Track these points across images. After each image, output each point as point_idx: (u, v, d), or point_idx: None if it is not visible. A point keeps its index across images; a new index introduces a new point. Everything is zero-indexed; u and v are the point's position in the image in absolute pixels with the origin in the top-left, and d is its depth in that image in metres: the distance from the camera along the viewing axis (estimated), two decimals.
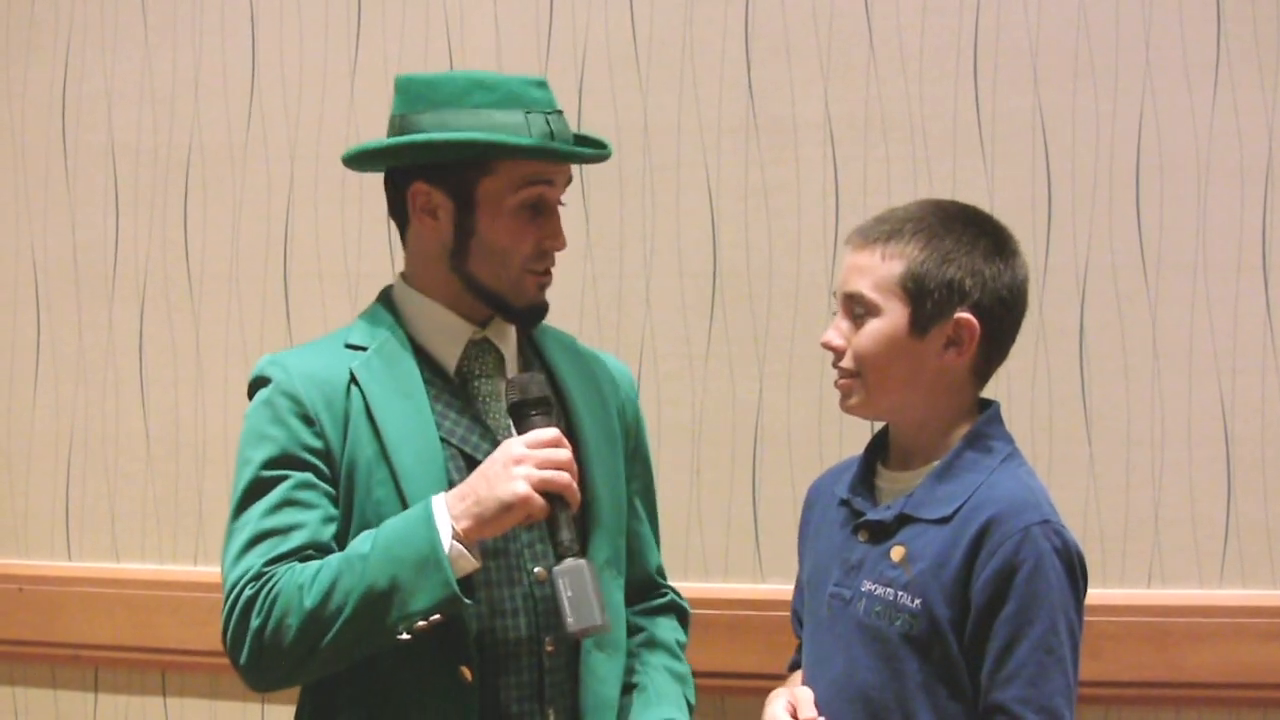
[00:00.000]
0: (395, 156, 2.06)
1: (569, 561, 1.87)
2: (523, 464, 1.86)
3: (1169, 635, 2.55)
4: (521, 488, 1.84)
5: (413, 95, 2.06)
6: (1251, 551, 2.58)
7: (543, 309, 2.09)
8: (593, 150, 2.10)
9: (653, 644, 2.23)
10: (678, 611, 2.32)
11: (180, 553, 2.96)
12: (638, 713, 2.10)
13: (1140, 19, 2.59)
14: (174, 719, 2.97)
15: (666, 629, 2.27)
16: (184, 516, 2.96)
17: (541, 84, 2.07)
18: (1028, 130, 2.62)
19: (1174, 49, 2.58)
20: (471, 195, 2.02)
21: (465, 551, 1.86)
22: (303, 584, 1.87)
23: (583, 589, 1.85)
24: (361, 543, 1.90)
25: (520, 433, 1.95)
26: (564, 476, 1.87)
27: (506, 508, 1.85)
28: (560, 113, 2.06)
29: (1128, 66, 2.59)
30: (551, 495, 1.87)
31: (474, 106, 2.01)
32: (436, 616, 1.85)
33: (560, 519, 1.88)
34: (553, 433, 1.91)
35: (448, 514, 1.87)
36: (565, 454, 1.89)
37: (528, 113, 2.01)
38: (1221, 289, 2.58)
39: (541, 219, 2.04)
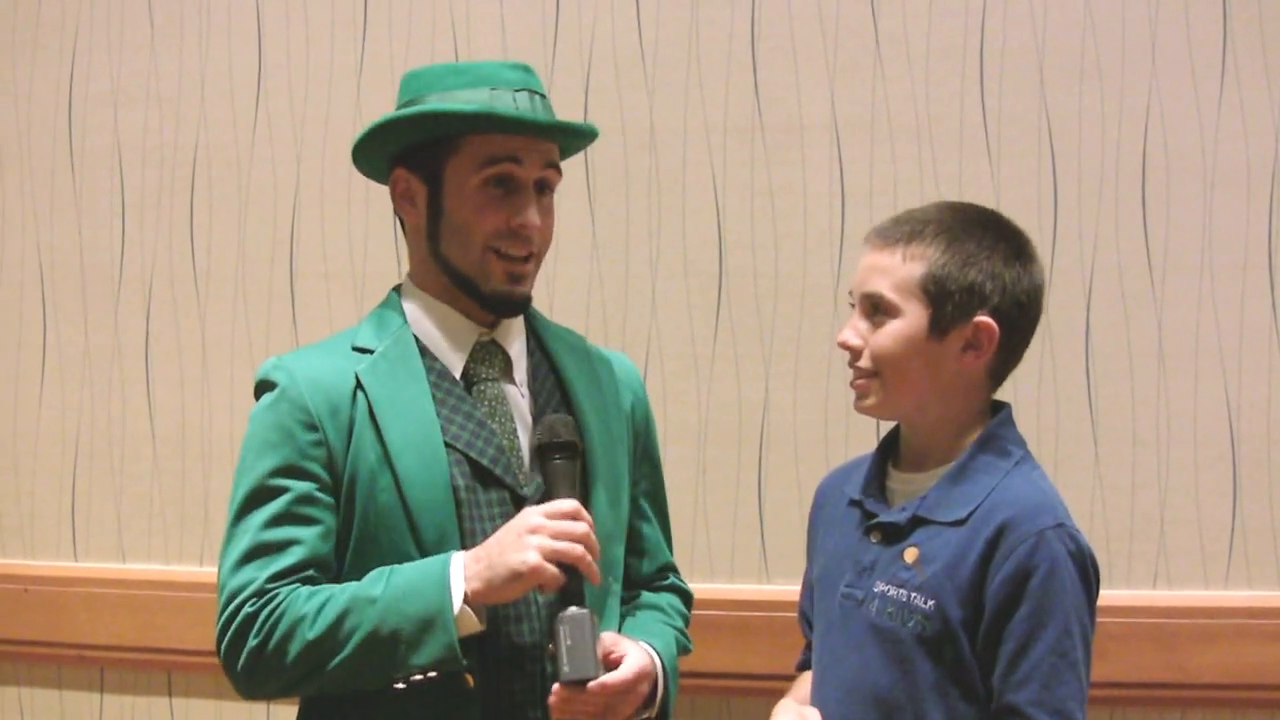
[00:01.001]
0: (365, 147, 2.08)
1: (573, 610, 1.89)
2: (537, 534, 1.87)
3: (1175, 636, 2.55)
4: (532, 558, 1.85)
5: (404, 87, 2.10)
6: (1257, 552, 2.58)
7: (516, 300, 2.07)
8: (548, 118, 2.06)
9: (639, 605, 2.23)
10: (679, 592, 2.32)
11: (186, 553, 2.96)
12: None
13: (1146, 20, 2.59)
14: (179, 719, 2.97)
15: (660, 597, 2.27)
16: (190, 517, 2.96)
17: (520, 67, 2.08)
18: (1033, 131, 2.62)
19: (1180, 50, 2.58)
20: (440, 176, 2.04)
21: (471, 614, 1.88)
22: (306, 614, 1.89)
23: (583, 639, 1.88)
24: (373, 584, 1.91)
25: (542, 474, 1.98)
26: (577, 549, 1.88)
27: (516, 576, 1.86)
28: (537, 94, 2.06)
29: (1133, 67, 2.59)
30: (565, 566, 1.88)
31: (443, 89, 2.04)
32: (433, 674, 1.87)
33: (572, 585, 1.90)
34: (572, 504, 1.92)
35: (462, 574, 1.88)
36: (582, 527, 1.90)
37: (492, 89, 2.02)
38: (1227, 289, 2.57)
39: (512, 198, 2.03)
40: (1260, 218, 2.57)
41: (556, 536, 1.88)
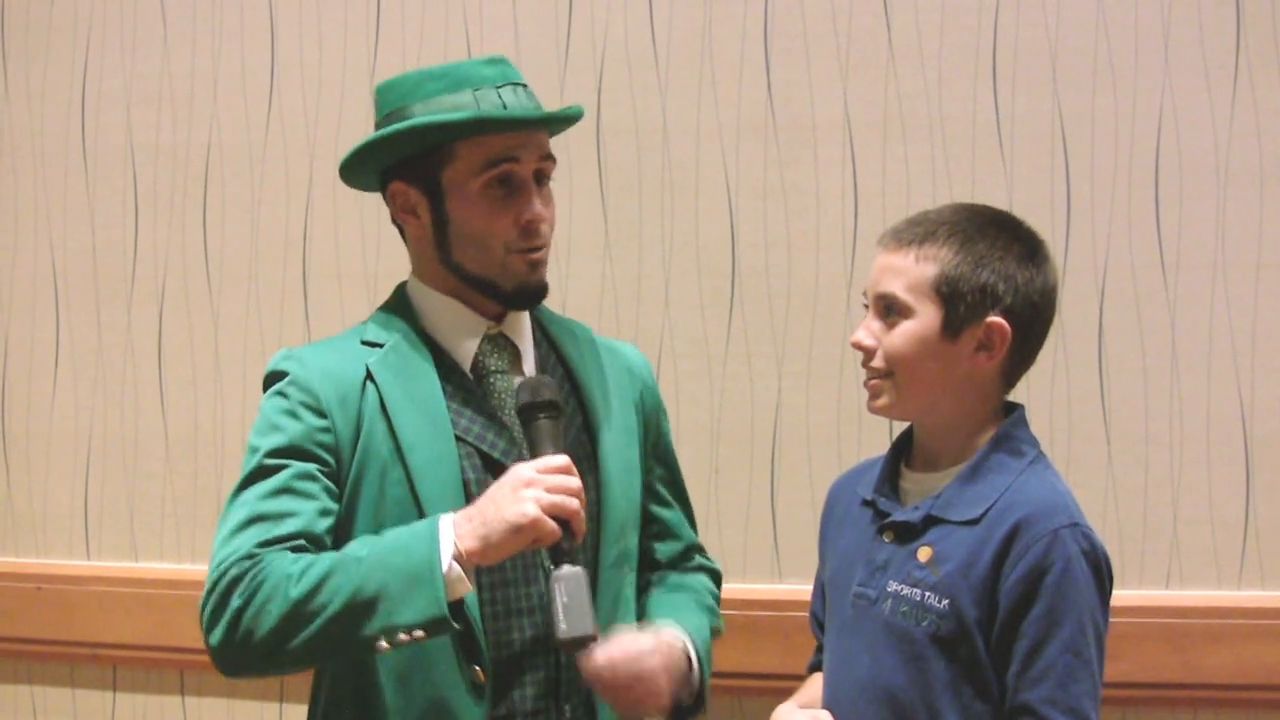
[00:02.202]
0: (362, 162, 2.08)
1: (566, 568, 1.86)
2: (532, 487, 1.85)
3: (1187, 636, 2.55)
4: (531, 509, 1.83)
5: (380, 100, 2.09)
6: (1270, 552, 2.58)
7: (537, 289, 2.07)
8: (537, 111, 2.06)
9: (667, 585, 2.23)
10: (708, 572, 2.31)
11: (198, 552, 2.96)
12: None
13: (1159, 19, 2.58)
14: (192, 718, 2.98)
15: (689, 577, 2.26)
16: (202, 516, 2.96)
17: (495, 61, 2.07)
18: (1046, 130, 2.62)
19: (1193, 49, 2.58)
20: (438, 185, 2.04)
21: (463, 574, 1.84)
22: (291, 574, 1.86)
23: (578, 597, 1.84)
24: (360, 546, 1.89)
25: (527, 435, 1.96)
26: (573, 503, 1.86)
27: (515, 529, 1.83)
28: (518, 85, 2.05)
29: (1146, 66, 2.59)
30: (559, 520, 1.86)
31: (425, 97, 2.02)
32: (420, 633, 1.83)
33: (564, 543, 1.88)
34: (563, 460, 1.90)
35: (453, 532, 1.85)
36: (575, 482, 1.88)
37: (475, 90, 2.01)
38: (1241, 288, 2.57)
39: (517, 196, 2.03)
40: (1274, 216, 2.56)
41: (552, 490, 1.85)
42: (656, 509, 2.25)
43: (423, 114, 2.01)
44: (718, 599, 2.29)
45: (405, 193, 2.07)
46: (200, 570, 2.90)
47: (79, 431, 3.03)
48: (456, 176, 2.02)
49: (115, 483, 3.01)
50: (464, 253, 2.05)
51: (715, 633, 2.22)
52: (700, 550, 2.33)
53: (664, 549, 2.25)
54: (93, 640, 2.96)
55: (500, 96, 2.02)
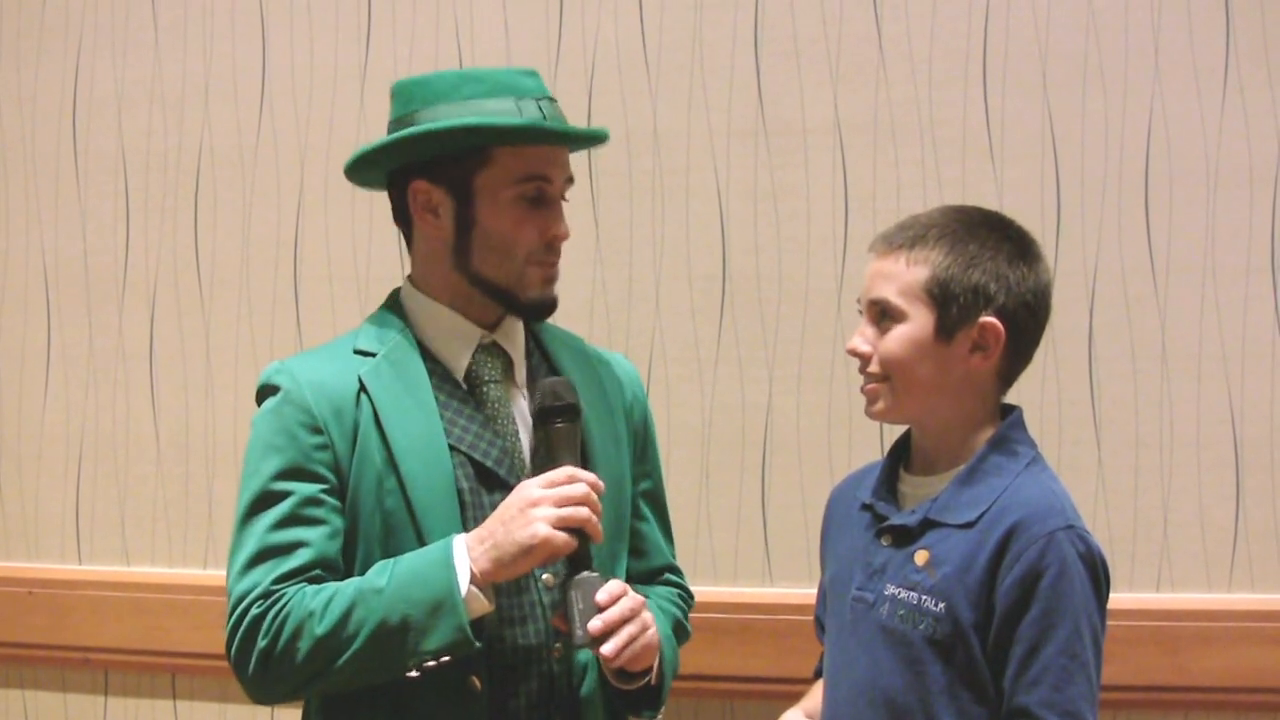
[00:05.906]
0: (391, 155, 2.05)
1: (584, 574, 1.90)
2: (540, 505, 1.88)
3: (1178, 640, 2.55)
4: (541, 529, 1.86)
5: (406, 97, 2.07)
6: (1260, 555, 2.58)
7: (550, 304, 2.08)
8: (588, 130, 2.11)
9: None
10: (675, 586, 2.31)
11: (190, 556, 2.96)
12: None
13: (1149, 23, 2.59)
14: None
15: (653, 589, 2.25)
16: (194, 520, 2.96)
17: (531, 73, 2.07)
18: (1037, 134, 2.63)
19: (1183, 53, 2.58)
20: (469, 188, 2.03)
21: (480, 595, 1.88)
22: (314, 610, 1.88)
23: (593, 603, 1.89)
24: (378, 575, 1.91)
25: (543, 439, 1.98)
26: (583, 511, 1.89)
27: (526, 551, 1.86)
28: (553, 100, 2.06)
29: (1137, 70, 2.60)
30: (572, 530, 1.88)
31: (464, 98, 2.01)
32: (446, 658, 1.87)
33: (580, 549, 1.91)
34: (566, 471, 1.92)
35: (467, 556, 1.88)
36: (582, 488, 1.90)
37: (519, 99, 2.01)
38: (1230, 292, 2.58)
39: (543, 209, 2.04)
40: (1263, 221, 2.57)
41: (560, 504, 1.88)
42: (635, 523, 2.24)
43: (463, 114, 2.00)
44: (684, 610, 2.29)
45: (428, 191, 2.05)
46: (192, 574, 2.94)
47: (70, 435, 3.02)
48: (490, 182, 2.02)
49: (107, 487, 3.01)
50: (485, 259, 2.04)
51: (681, 629, 2.24)
52: (674, 570, 2.32)
53: (637, 567, 2.24)
54: (84, 645, 2.96)
55: (541, 110, 2.02)
